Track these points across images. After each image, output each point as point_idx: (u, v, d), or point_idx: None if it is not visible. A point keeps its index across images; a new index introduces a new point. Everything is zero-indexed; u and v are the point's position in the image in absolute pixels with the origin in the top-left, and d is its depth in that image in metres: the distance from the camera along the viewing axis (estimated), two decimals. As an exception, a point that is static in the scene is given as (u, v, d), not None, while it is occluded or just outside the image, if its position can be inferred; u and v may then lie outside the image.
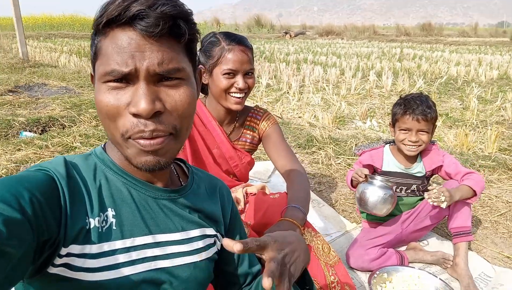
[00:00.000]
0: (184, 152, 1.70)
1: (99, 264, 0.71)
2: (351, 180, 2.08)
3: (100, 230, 0.72)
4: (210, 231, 0.91)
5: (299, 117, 5.25)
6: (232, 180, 1.84)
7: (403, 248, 2.20)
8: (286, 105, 5.92)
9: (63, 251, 0.68)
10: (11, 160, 3.16)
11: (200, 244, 0.88)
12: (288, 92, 6.85)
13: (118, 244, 0.74)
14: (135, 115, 0.69)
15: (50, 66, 9.08)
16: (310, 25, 40.33)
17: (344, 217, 2.61)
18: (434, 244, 2.26)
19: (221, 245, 0.96)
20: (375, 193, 1.95)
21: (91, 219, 0.72)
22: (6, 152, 3.33)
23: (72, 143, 3.67)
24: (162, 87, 0.72)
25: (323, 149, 3.80)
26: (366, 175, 1.98)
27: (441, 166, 2.11)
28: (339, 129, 4.65)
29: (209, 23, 33.52)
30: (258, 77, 7.91)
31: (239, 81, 1.63)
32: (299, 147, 3.87)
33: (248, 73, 1.66)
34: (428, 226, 2.14)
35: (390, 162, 2.16)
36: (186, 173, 0.95)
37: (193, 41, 0.76)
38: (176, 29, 0.70)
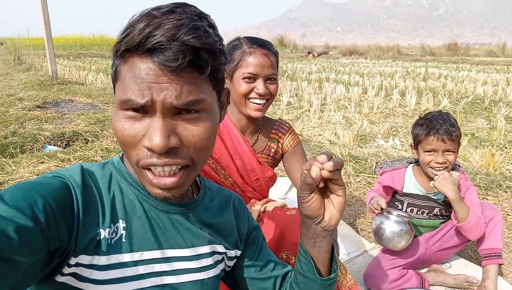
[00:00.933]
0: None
1: (106, 277, 0.71)
2: None
3: (109, 241, 0.71)
4: (220, 248, 0.90)
5: (319, 134, 5.21)
6: (252, 191, 1.74)
7: (424, 270, 2.10)
8: (307, 122, 5.88)
9: (73, 260, 0.67)
10: (34, 172, 3.24)
11: (209, 261, 0.86)
12: (309, 110, 6.82)
13: (127, 257, 0.73)
14: (149, 149, 0.67)
15: (77, 84, 9.36)
16: (333, 45, 40.45)
17: (362, 236, 2.53)
18: (457, 267, 2.16)
19: (234, 257, 0.95)
20: (391, 227, 1.88)
21: (101, 230, 0.71)
22: (30, 165, 3.42)
23: (93, 157, 3.74)
24: (180, 120, 0.68)
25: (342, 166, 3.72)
26: (382, 209, 1.92)
27: None
28: (360, 147, 4.58)
29: (233, 43, 34.04)
30: (279, 95, 7.89)
31: (260, 86, 1.54)
32: (318, 165, 3.80)
33: (270, 79, 1.57)
34: (454, 247, 2.04)
35: (412, 183, 2.08)
36: (199, 185, 0.93)
37: (217, 71, 0.72)
38: (198, 61, 0.66)
